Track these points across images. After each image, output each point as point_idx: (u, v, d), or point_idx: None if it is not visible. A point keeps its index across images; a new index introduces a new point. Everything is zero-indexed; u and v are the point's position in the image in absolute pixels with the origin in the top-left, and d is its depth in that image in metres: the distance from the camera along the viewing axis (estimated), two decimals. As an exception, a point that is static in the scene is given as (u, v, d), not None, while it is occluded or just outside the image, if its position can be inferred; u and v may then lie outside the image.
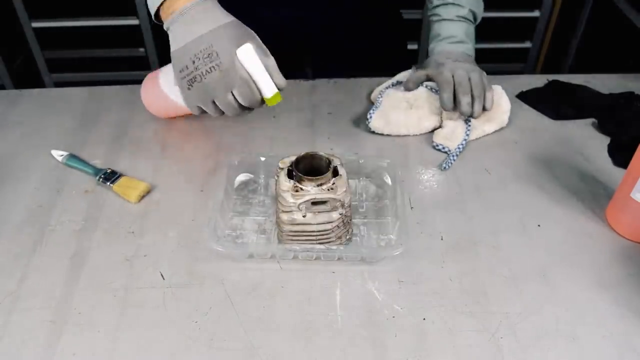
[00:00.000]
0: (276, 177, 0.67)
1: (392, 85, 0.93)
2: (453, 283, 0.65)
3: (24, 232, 0.71)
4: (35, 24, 2.00)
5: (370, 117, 0.86)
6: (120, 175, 0.78)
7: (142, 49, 2.09)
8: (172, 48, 0.67)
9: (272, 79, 0.66)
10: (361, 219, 0.73)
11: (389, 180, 0.76)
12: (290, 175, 0.66)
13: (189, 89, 0.66)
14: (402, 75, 0.95)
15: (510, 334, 0.60)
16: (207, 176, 0.79)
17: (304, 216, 0.65)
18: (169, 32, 0.68)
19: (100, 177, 0.77)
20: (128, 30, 2.03)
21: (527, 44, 2.13)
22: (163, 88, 0.82)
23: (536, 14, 2.04)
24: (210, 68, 0.62)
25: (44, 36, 2.04)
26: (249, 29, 0.68)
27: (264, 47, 0.66)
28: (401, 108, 0.87)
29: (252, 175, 0.78)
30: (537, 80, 0.97)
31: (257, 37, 0.67)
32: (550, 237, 0.71)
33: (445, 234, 0.71)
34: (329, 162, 0.66)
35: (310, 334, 0.60)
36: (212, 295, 0.64)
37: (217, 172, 0.80)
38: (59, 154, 0.81)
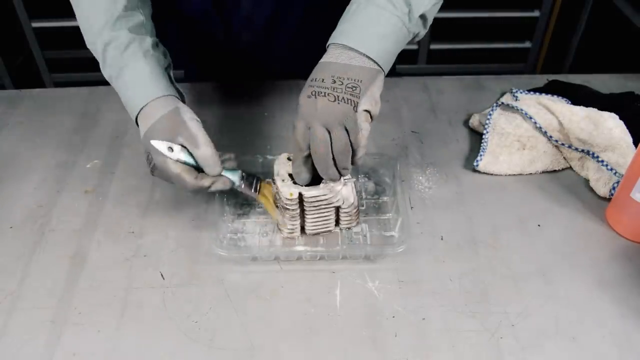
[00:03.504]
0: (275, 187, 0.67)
1: (493, 109, 0.86)
2: (453, 283, 0.65)
3: (24, 232, 0.71)
4: (35, 24, 2.00)
5: (480, 159, 0.79)
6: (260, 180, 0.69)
7: (142, 49, 2.09)
8: None
9: (205, 171, 0.63)
10: (362, 217, 0.72)
11: (388, 179, 0.76)
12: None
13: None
14: (505, 98, 0.89)
15: (510, 334, 0.60)
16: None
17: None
18: None
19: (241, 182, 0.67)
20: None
21: (527, 44, 2.13)
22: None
23: (536, 14, 2.04)
24: (152, 168, 0.65)
25: (44, 36, 2.04)
26: (182, 119, 0.63)
27: (196, 137, 0.62)
28: (513, 148, 0.80)
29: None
30: (537, 80, 0.97)
31: (190, 129, 0.63)
32: (550, 237, 0.71)
33: (445, 234, 0.71)
34: None
35: (310, 334, 0.60)
36: (212, 295, 0.64)
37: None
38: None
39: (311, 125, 0.59)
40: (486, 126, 0.83)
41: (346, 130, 0.59)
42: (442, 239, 0.70)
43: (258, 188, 0.68)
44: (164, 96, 0.66)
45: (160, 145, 0.62)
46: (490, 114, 0.85)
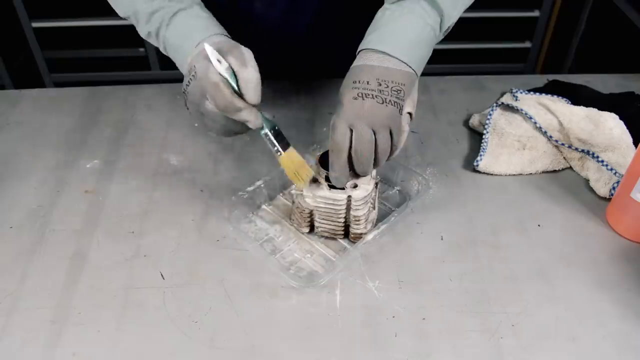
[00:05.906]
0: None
1: (493, 109, 0.86)
2: (453, 283, 0.65)
3: (24, 232, 0.71)
4: (35, 24, 2.00)
5: (480, 159, 0.79)
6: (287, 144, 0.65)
7: (142, 49, 2.09)
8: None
9: (244, 94, 0.60)
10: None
11: (389, 181, 0.76)
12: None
13: (187, 108, 0.66)
14: (505, 98, 0.89)
15: (510, 334, 0.60)
16: (208, 176, 0.79)
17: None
18: None
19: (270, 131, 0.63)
20: (128, 30, 2.02)
21: (527, 44, 2.13)
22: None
23: (536, 14, 2.04)
24: (189, 81, 0.63)
25: (44, 36, 2.04)
26: (237, 44, 0.62)
27: (247, 59, 0.60)
28: (513, 148, 0.81)
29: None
30: (537, 80, 0.97)
31: (242, 50, 0.61)
32: (550, 237, 0.71)
33: (445, 234, 0.71)
34: None
35: (310, 334, 0.60)
36: (212, 295, 0.64)
37: (217, 171, 0.80)
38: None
39: (356, 126, 0.59)
40: (486, 126, 0.83)
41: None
42: (442, 239, 0.70)
43: (285, 148, 0.64)
44: (221, 34, 0.65)
45: (210, 50, 0.59)
46: (490, 114, 0.85)
